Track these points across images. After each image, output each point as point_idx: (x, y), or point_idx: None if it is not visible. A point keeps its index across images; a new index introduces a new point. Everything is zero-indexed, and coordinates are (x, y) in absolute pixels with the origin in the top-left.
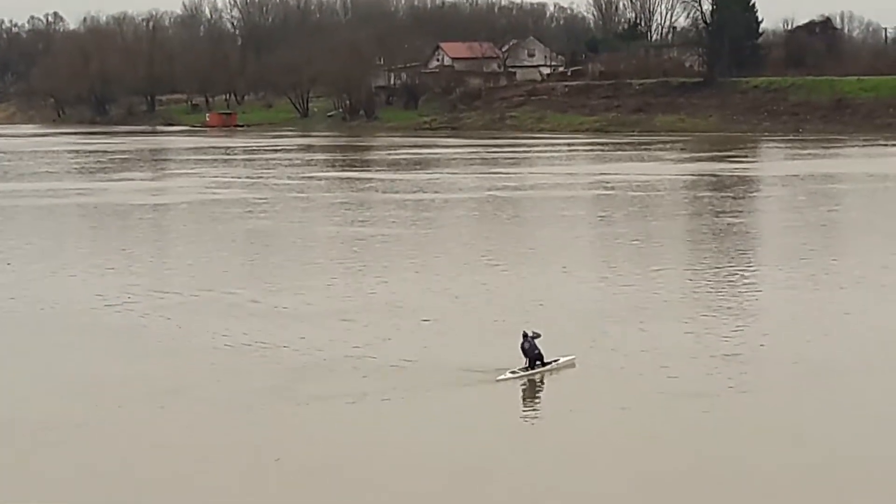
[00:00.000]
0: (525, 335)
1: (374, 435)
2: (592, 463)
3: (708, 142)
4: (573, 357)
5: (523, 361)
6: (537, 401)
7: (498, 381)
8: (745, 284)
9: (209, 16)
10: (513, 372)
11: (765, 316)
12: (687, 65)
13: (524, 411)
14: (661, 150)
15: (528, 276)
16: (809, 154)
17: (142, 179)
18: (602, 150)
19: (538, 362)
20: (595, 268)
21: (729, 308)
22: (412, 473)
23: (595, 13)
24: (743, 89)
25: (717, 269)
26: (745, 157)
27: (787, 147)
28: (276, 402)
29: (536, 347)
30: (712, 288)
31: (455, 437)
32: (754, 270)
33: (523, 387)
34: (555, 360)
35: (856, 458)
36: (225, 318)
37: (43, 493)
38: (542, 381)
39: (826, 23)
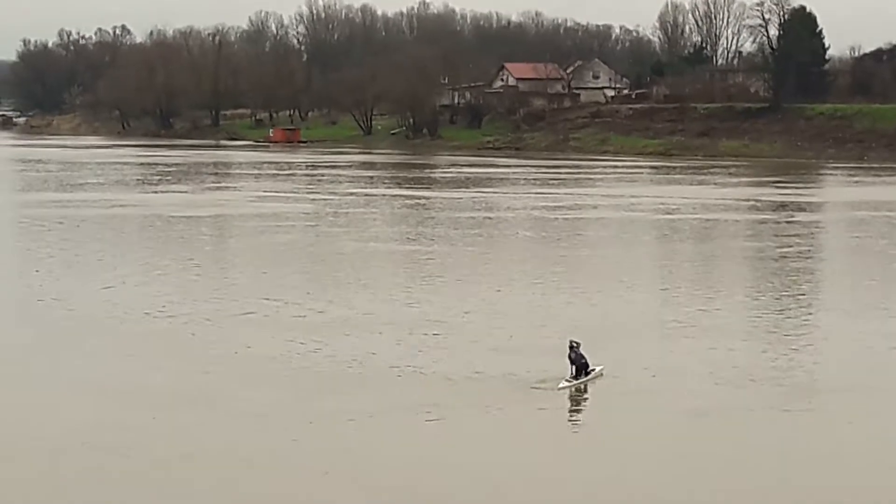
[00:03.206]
0: (571, 345)
1: (441, 451)
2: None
3: (771, 167)
4: (602, 367)
5: (569, 370)
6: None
7: (559, 389)
8: (787, 309)
9: (275, 31)
10: (567, 380)
11: (804, 340)
12: (752, 90)
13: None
14: (723, 174)
15: (573, 292)
16: (872, 182)
17: (188, 192)
18: (664, 174)
19: (584, 372)
20: (639, 286)
21: (768, 331)
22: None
23: (661, 36)
24: (808, 116)
25: (759, 293)
26: (807, 183)
27: (850, 175)
28: (328, 413)
29: (583, 356)
30: (750, 310)
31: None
32: (799, 296)
33: (584, 397)
34: (593, 370)
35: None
36: (262, 329)
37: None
38: (585, 391)
39: (894, 50)
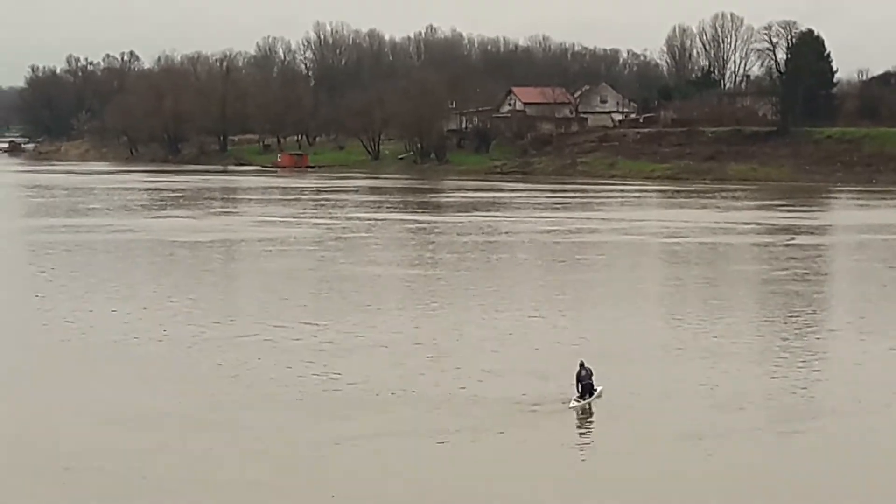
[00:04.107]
0: (582, 364)
1: (446, 473)
2: None
3: (779, 191)
4: (601, 388)
5: (574, 389)
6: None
7: (570, 408)
8: (787, 332)
9: (282, 57)
10: (576, 400)
11: (803, 363)
12: (760, 113)
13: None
14: (730, 198)
15: (572, 315)
16: (878, 205)
17: (194, 217)
18: (670, 198)
19: (589, 392)
20: (639, 310)
21: (768, 353)
22: None
23: (668, 60)
24: (816, 139)
25: (759, 316)
26: (813, 207)
27: (857, 198)
28: (333, 437)
29: (590, 377)
30: (750, 333)
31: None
32: (798, 318)
33: (588, 419)
34: (596, 391)
35: None
36: (262, 352)
37: None
38: (590, 411)
39: None
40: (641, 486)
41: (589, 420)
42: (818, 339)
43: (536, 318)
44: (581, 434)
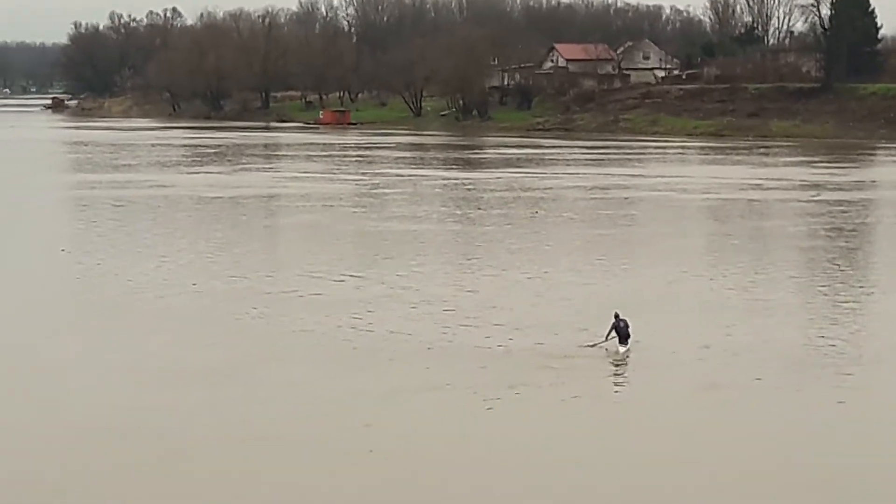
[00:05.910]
0: (616, 315)
1: (477, 427)
2: None
3: (822, 148)
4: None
5: (606, 337)
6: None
7: (622, 353)
8: (820, 287)
9: (325, 13)
10: (622, 349)
11: (837, 316)
12: (804, 70)
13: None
14: (772, 155)
15: (602, 271)
16: None
17: (229, 173)
18: (712, 155)
19: (626, 340)
20: (670, 264)
21: (793, 305)
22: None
23: (711, 16)
24: (860, 96)
25: (792, 271)
26: (854, 163)
27: None
28: (369, 391)
29: (627, 327)
30: (781, 288)
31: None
32: (833, 273)
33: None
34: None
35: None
36: (290, 306)
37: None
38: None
39: None
40: (661, 435)
41: (623, 372)
42: (845, 293)
43: (570, 272)
44: (616, 386)
